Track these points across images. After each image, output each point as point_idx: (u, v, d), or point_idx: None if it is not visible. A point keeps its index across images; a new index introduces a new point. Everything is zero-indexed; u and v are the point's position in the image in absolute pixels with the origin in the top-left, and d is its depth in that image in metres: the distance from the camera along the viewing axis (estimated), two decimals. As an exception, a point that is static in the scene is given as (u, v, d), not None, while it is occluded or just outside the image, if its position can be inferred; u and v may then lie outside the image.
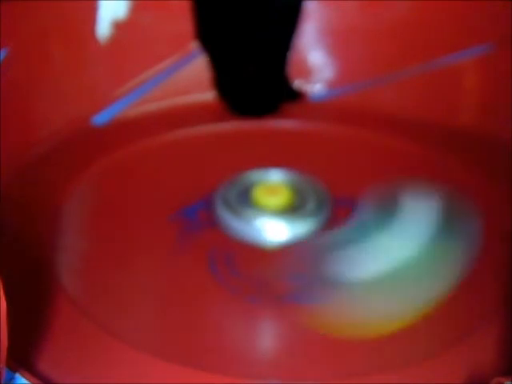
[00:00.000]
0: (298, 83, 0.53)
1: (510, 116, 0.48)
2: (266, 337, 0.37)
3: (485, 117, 0.50)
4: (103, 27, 0.50)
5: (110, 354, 0.35)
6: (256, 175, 0.45)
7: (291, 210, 0.42)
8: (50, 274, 0.39)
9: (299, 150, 0.48)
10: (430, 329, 0.37)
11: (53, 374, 0.33)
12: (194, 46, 0.52)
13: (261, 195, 0.43)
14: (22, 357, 0.33)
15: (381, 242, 0.39)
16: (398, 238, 0.40)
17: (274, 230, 0.42)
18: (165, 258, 0.41)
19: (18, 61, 0.47)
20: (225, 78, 0.52)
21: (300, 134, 0.50)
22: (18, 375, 0.29)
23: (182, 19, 0.51)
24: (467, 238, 0.39)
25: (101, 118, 0.51)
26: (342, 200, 0.44)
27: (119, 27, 0.51)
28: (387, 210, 0.41)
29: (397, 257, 0.38)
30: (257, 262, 0.40)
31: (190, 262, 0.41)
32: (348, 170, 0.47)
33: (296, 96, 0.53)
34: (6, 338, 0.28)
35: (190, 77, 0.52)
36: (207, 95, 0.52)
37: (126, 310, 0.38)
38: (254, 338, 0.37)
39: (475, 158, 0.48)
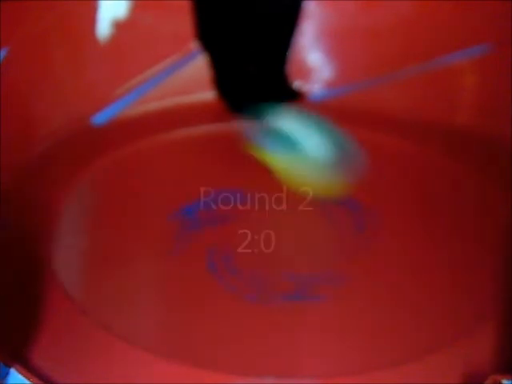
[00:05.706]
0: (297, 83, 0.53)
1: (509, 116, 0.48)
2: (266, 335, 0.37)
3: (484, 117, 0.50)
4: (103, 27, 0.51)
5: (108, 352, 0.35)
6: None
7: None
8: (50, 273, 0.39)
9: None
10: (428, 327, 0.37)
11: (51, 372, 0.34)
12: (194, 45, 0.52)
13: None
14: (19, 354, 0.33)
15: None
16: None
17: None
18: (164, 257, 0.41)
19: (18, 61, 0.47)
20: (225, 77, 0.52)
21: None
22: (12, 371, 0.30)
23: (182, 19, 0.51)
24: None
25: (100, 118, 0.51)
26: (341, 199, 0.44)
27: (119, 27, 0.51)
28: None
29: None
30: (256, 262, 0.40)
31: (189, 262, 0.41)
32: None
33: (296, 96, 0.53)
34: None
35: (190, 76, 0.52)
36: (207, 95, 0.52)
37: (126, 308, 0.38)
38: (253, 336, 0.37)
39: (475, 157, 0.48)
